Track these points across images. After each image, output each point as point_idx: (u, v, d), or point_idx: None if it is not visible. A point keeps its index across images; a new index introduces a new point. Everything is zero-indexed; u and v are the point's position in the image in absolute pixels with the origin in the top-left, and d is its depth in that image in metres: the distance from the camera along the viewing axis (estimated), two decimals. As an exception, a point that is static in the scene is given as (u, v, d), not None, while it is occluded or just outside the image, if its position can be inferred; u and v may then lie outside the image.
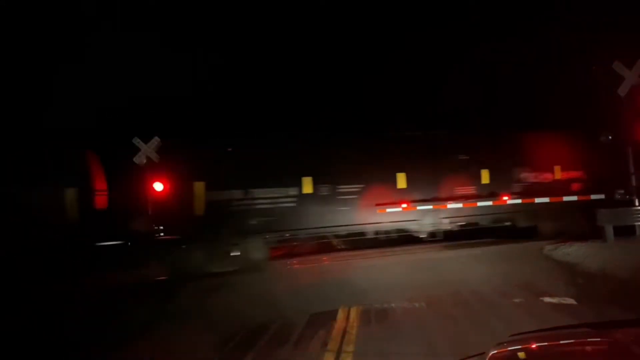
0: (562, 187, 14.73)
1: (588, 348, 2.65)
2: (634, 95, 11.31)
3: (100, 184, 12.89)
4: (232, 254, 12.60)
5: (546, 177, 14.80)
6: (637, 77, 11.32)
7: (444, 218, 14.04)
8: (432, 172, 14.10)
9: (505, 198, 14.22)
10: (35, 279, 10.97)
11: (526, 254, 12.26)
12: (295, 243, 14.52)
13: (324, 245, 15.15)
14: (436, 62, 21.54)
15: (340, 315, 7.39)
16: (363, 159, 13.74)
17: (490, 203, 14.23)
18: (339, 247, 16.04)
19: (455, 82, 20.93)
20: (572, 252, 11.28)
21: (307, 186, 13.25)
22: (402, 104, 20.38)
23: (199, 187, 12.62)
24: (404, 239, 14.62)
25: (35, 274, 11.03)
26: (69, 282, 11.41)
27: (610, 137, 14.03)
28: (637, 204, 12.13)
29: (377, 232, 14.02)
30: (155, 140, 12.88)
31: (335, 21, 22.89)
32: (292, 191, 13.19)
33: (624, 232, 11.70)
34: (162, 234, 12.57)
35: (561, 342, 2.77)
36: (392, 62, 22.30)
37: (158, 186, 12.50)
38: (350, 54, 22.73)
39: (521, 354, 2.52)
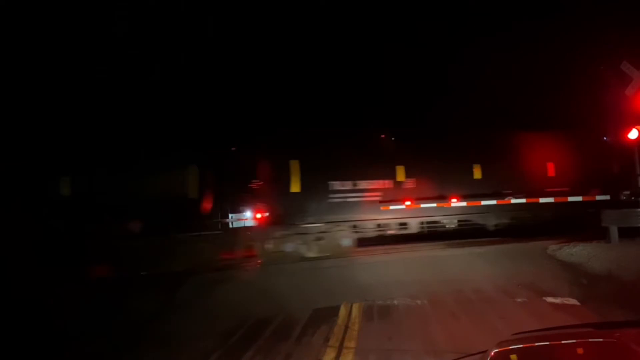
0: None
1: (590, 348, 2.65)
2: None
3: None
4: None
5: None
6: (646, 77, 11.23)
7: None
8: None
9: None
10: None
11: (530, 254, 12.22)
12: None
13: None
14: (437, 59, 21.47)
15: (343, 311, 7.42)
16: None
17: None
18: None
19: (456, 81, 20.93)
20: (576, 252, 11.24)
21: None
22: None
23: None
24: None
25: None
26: (75, 273, 11.44)
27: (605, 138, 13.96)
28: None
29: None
30: None
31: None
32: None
33: (629, 233, 11.66)
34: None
35: (563, 342, 2.77)
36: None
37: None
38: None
39: (522, 353, 2.53)
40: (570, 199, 14.70)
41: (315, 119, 15.96)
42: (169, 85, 16.12)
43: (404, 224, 13.74)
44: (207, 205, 11.84)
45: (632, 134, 11.71)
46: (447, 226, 14.30)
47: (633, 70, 11.35)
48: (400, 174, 13.48)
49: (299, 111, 16.82)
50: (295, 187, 12.55)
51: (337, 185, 12.97)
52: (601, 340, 2.70)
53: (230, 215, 12.39)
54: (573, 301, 7.30)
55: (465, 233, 14.29)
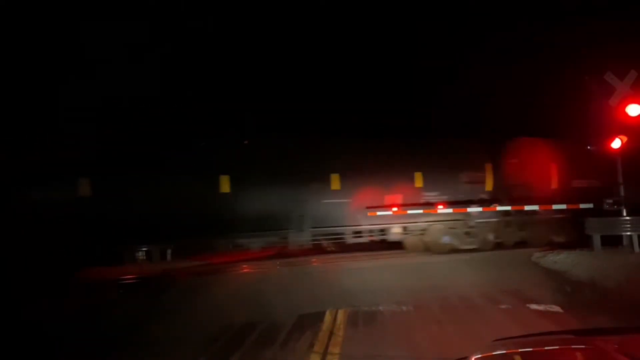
0: None
1: (572, 355, 2.66)
2: (625, 106, 11.39)
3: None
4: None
5: None
6: (629, 88, 11.42)
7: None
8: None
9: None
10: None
11: (515, 261, 12.34)
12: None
13: (314, 246, 15.16)
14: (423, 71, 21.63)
15: (328, 317, 7.38)
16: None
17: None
18: (328, 249, 16.03)
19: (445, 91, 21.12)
20: (560, 260, 11.37)
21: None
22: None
23: None
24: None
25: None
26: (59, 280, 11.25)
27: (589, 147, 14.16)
28: (624, 214, 12.21)
29: None
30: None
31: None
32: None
33: (612, 241, 11.80)
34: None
35: (545, 348, 2.78)
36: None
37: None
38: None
39: (504, 359, 2.52)
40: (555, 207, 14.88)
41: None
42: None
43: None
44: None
45: (615, 144, 11.88)
46: None
47: (616, 81, 11.54)
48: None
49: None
50: None
51: None
52: (583, 347, 2.71)
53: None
54: (556, 308, 7.35)
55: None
